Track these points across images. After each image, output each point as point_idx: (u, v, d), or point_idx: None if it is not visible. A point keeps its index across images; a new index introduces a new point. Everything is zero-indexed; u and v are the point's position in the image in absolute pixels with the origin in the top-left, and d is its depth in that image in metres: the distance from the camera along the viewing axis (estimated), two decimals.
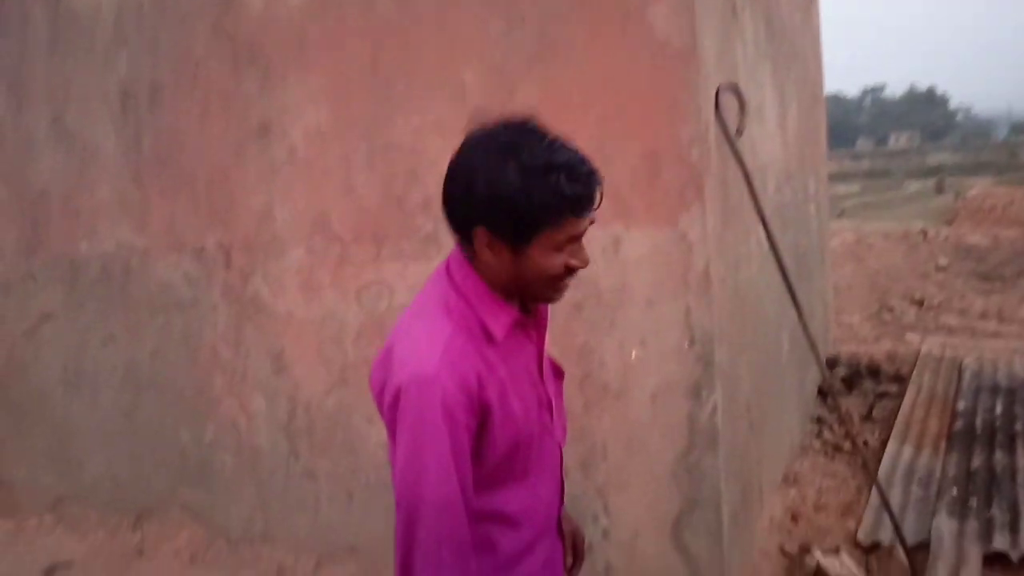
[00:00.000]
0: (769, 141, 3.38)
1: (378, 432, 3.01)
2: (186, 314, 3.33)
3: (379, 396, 1.17)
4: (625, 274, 2.42)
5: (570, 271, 1.17)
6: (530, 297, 1.21)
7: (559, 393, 1.40)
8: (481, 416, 1.14)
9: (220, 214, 3.16)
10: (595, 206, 1.15)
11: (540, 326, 1.29)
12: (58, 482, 3.87)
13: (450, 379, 1.09)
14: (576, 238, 1.15)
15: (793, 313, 2.91)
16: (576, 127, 2.47)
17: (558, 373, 1.41)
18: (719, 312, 2.44)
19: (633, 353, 2.51)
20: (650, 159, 2.30)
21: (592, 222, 1.17)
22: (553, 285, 1.18)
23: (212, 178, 3.16)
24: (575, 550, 1.51)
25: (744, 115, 2.55)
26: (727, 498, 2.55)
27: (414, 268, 2.77)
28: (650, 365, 2.46)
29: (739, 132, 2.50)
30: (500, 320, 1.18)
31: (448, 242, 2.69)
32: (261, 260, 3.10)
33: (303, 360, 3.10)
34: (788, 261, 2.90)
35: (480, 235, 1.13)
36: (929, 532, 3.05)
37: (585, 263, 1.18)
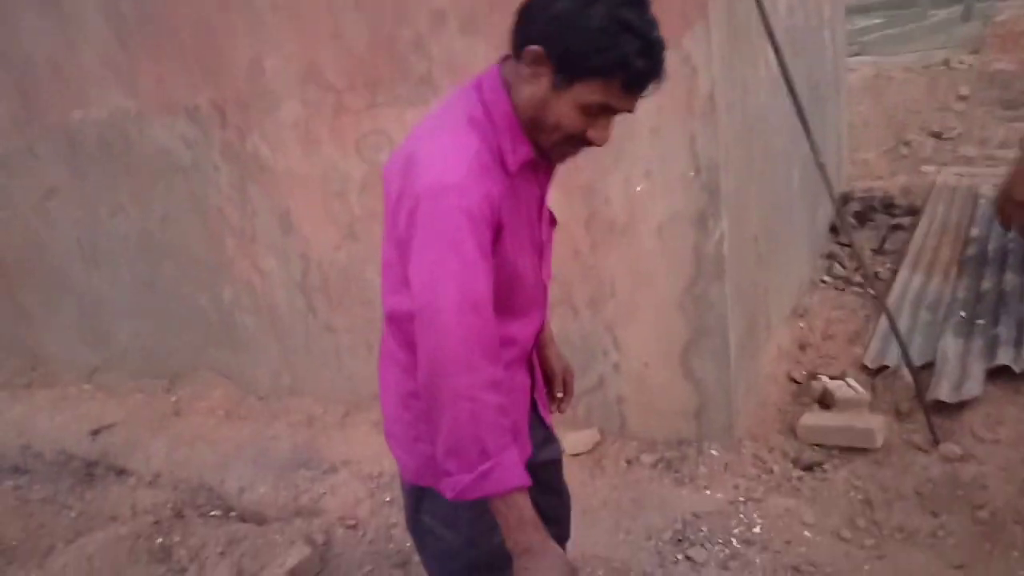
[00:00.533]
0: None
1: None
2: (189, 178, 3.31)
3: (395, 204, 1.15)
4: None
5: (585, 141, 1.16)
6: (536, 142, 1.18)
7: (550, 239, 1.41)
8: (496, 233, 1.14)
9: (210, 70, 3.06)
10: (644, 91, 1.13)
11: (548, 168, 1.28)
12: (91, 353, 4.03)
13: (475, 189, 1.09)
14: (609, 111, 1.13)
15: (804, 146, 2.82)
16: None
17: (551, 220, 1.42)
18: (725, 139, 2.38)
19: (638, 187, 2.48)
20: None
21: (631, 111, 1.16)
22: (563, 143, 1.17)
23: (197, 32, 3.02)
24: (565, 385, 1.57)
25: None
26: (734, 326, 2.60)
27: (411, 113, 2.69)
28: (656, 197, 2.43)
29: None
30: (517, 152, 1.17)
31: (441, 83, 2.61)
32: (256, 116, 3.03)
33: (310, 217, 3.11)
34: (801, 90, 2.78)
35: (531, 52, 1.11)
36: (935, 353, 3.12)
37: (603, 141, 1.16)
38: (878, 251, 4.54)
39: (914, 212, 5.04)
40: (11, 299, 4.18)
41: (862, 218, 5.04)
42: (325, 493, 2.83)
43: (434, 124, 1.19)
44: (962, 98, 7.97)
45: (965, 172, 5.74)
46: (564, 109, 1.11)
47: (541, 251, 1.33)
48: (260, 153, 3.11)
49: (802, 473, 2.61)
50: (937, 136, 7.06)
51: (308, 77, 2.87)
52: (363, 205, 2.97)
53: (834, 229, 4.81)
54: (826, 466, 2.63)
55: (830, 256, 4.47)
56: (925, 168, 6.16)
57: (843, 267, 4.36)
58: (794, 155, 3.52)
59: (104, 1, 3.22)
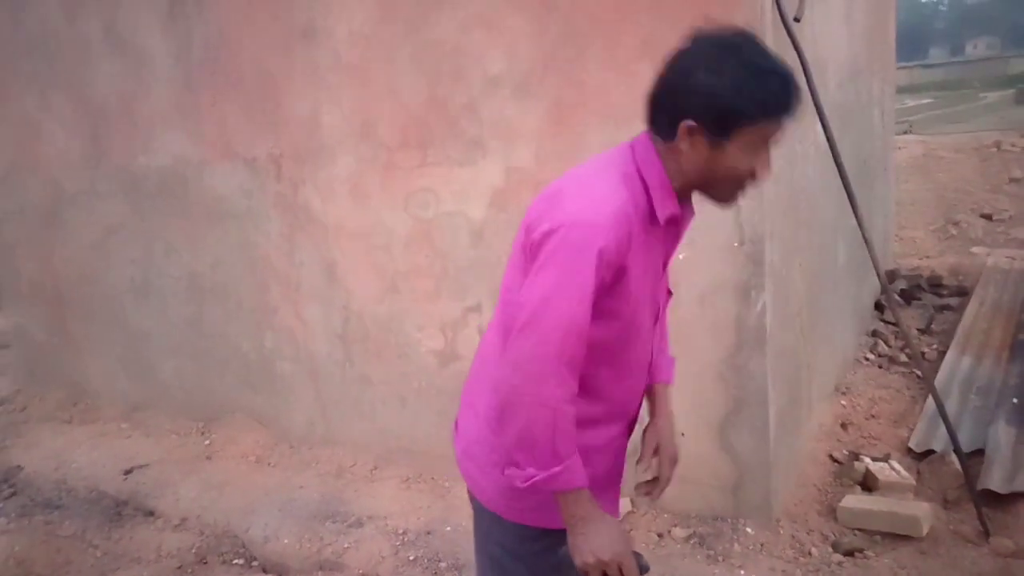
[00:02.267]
0: (832, 33, 3.19)
1: (428, 339, 3.08)
2: (242, 225, 3.42)
3: (530, 226, 1.24)
4: None
5: (754, 177, 1.23)
6: (711, 196, 1.28)
7: (666, 307, 1.50)
8: (617, 275, 1.22)
9: (269, 121, 3.19)
10: (794, 114, 1.21)
11: (678, 235, 1.36)
12: (133, 389, 4.11)
13: (613, 231, 1.17)
14: (767, 144, 1.22)
15: (851, 222, 2.81)
16: (628, 13, 2.38)
17: (668, 292, 1.51)
18: (771, 210, 2.37)
19: (680, 255, 2.47)
20: None
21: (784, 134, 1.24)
22: (738, 186, 1.25)
23: (260, 83, 3.17)
24: (661, 467, 1.51)
25: None
26: (774, 399, 2.54)
27: (459, 173, 2.76)
28: (698, 265, 2.43)
29: (797, 18, 2.37)
30: (666, 207, 1.25)
31: (492, 145, 2.68)
32: (310, 169, 3.14)
33: (354, 269, 3.17)
34: (849, 165, 2.78)
35: (686, 128, 1.19)
36: (985, 440, 3.00)
37: (769, 173, 1.25)
38: (924, 331, 4.43)
39: (963, 293, 4.93)
40: (63, 331, 4.32)
41: (908, 297, 4.95)
42: (349, 547, 2.80)
43: (589, 172, 1.28)
44: (1014, 180, 7.87)
45: (1017, 255, 5.61)
46: (731, 158, 1.20)
47: (657, 313, 1.38)
48: (311, 205, 3.20)
49: (842, 558, 2.49)
50: (988, 218, 6.96)
51: (362, 134, 2.97)
52: (407, 260, 3.02)
53: (879, 307, 4.72)
54: (868, 552, 2.51)
55: (875, 334, 4.38)
56: (975, 249, 6.05)
57: (888, 346, 4.26)
58: (840, 230, 3.49)
59: (174, 44, 3.40)
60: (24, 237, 4.31)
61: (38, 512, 3.25)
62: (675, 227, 1.33)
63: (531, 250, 1.23)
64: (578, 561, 1.23)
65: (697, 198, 1.31)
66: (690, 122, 1.18)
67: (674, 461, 1.52)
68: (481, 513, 1.44)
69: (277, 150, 3.23)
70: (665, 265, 1.37)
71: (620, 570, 1.23)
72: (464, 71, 2.68)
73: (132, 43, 3.57)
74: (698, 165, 1.22)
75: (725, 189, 1.25)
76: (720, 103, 1.16)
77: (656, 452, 1.50)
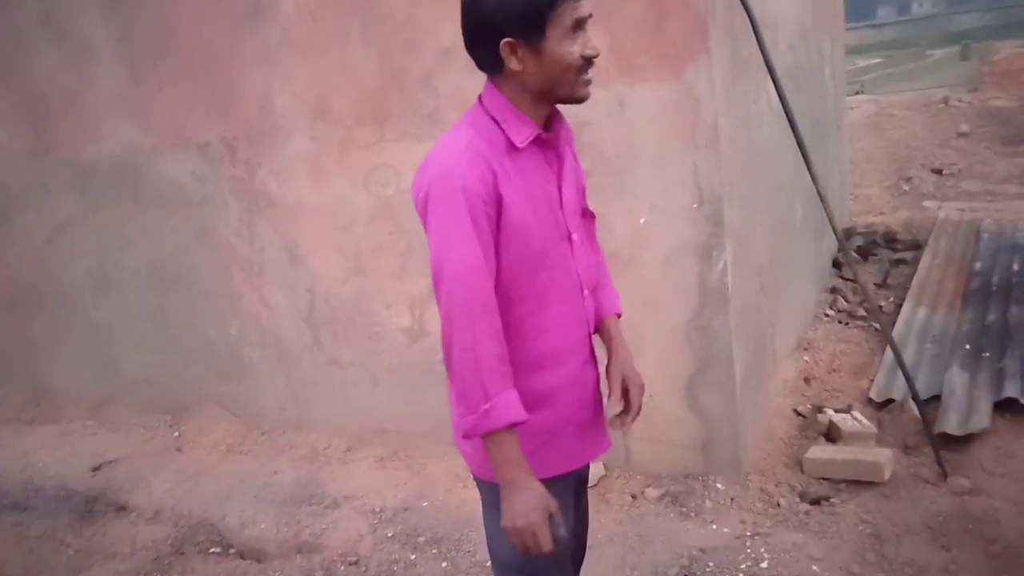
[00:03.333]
0: None
1: (396, 317, 3.08)
2: (199, 212, 3.35)
3: (418, 204, 1.31)
4: (632, 136, 2.38)
5: (587, 61, 1.28)
6: (562, 98, 1.31)
7: (589, 233, 1.55)
8: (497, 207, 1.27)
9: (220, 104, 3.12)
10: None
11: (559, 155, 1.38)
12: (97, 386, 4.03)
13: (468, 169, 1.24)
14: (581, 23, 1.26)
15: (807, 181, 2.85)
16: None
17: (588, 214, 1.56)
18: (729, 170, 2.41)
19: (642, 219, 2.50)
20: (654, 9, 2.20)
21: (591, 14, 1.28)
22: (577, 78, 1.28)
23: (209, 66, 3.10)
24: (627, 397, 1.53)
25: None
26: (739, 357, 2.60)
27: (419, 148, 2.74)
28: (660, 227, 2.45)
29: None
30: (522, 132, 1.30)
31: (449, 118, 2.66)
32: (266, 151, 3.08)
33: (318, 250, 3.14)
34: (802, 125, 2.82)
35: (504, 47, 1.25)
36: (941, 386, 3.10)
37: (597, 52, 1.29)
38: (881, 285, 4.55)
39: (917, 247, 5.07)
40: (21, 331, 4.20)
41: (865, 253, 5.07)
42: (327, 528, 2.80)
43: (444, 135, 1.35)
44: (962, 135, 8.06)
45: (967, 207, 5.78)
46: (556, 53, 1.25)
47: (569, 239, 1.39)
48: (269, 188, 3.15)
49: (809, 507, 2.57)
50: (938, 172, 7.13)
51: (317, 112, 2.92)
52: (371, 238, 3.00)
53: (837, 264, 4.83)
54: (833, 500, 2.60)
55: (833, 290, 4.48)
56: (927, 203, 6.20)
57: (847, 301, 4.37)
58: (797, 189, 3.55)
59: (118, 34, 3.30)
60: None
61: (5, 514, 3.19)
62: (553, 148, 1.37)
63: (420, 215, 1.30)
64: (502, 523, 1.26)
65: (566, 109, 1.36)
66: (506, 40, 1.24)
67: (641, 389, 1.55)
68: (479, 485, 1.48)
69: (230, 133, 3.16)
70: (566, 188, 1.39)
71: (534, 537, 1.24)
72: (417, 43, 2.65)
73: (71, 32, 3.45)
74: (535, 75, 1.27)
75: (569, 84, 1.29)
76: (516, 9, 1.22)
77: (624, 384, 1.53)
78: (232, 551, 2.79)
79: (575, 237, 1.41)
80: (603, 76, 2.32)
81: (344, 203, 3.01)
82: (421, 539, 2.65)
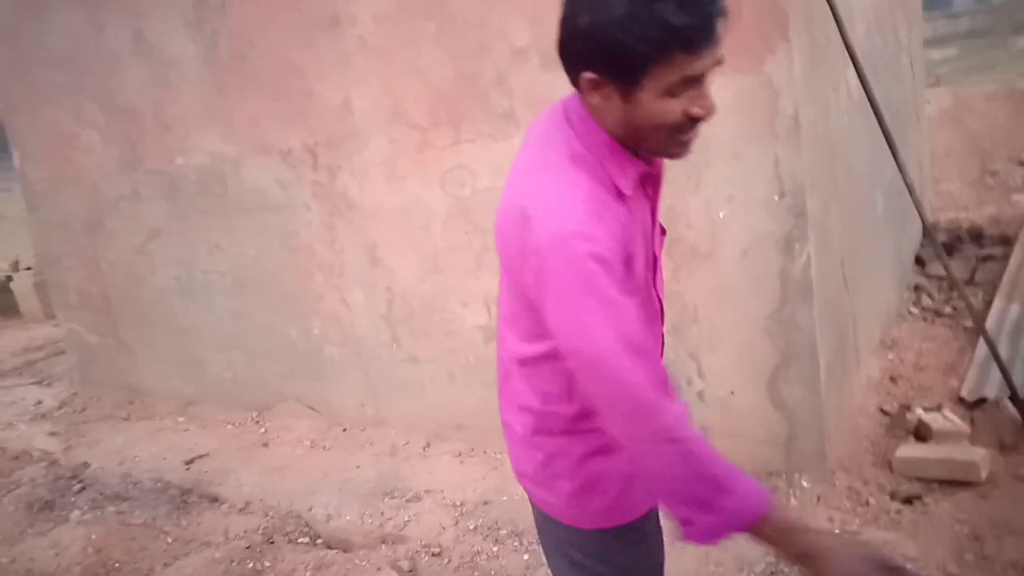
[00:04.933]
0: None
1: (472, 314, 3.13)
2: (281, 216, 3.49)
3: (519, 260, 1.10)
4: (708, 128, 2.35)
5: (692, 120, 1.04)
6: (650, 151, 1.11)
7: (661, 248, 1.35)
8: (626, 265, 1.08)
9: (301, 113, 3.24)
10: (713, 40, 0.99)
11: (657, 181, 1.21)
12: (186, 385, 4.23)
13: (599, 230, 1.03)
14: (694, 80, 1.01)
15: (887, 172, 2.79)
16: None
17: (662, 231, 1.35)
18: (809, 160, 2.37)
19: (721, 213, 2.48)
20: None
21: (718, 63, 1.02)
22: (673, 137, 1.06)
23: (289, 76, 3.22)
24: None
25: None
26: (823, 350, 2.55)
27: (494, 148, 2.79)
28: (739, 221, 2.43)
29: None
30: (628, 175, 1.10)
31: (524, 118, 2.70)
32: (345, 155, 3.19)
33: (395, 250, 3.22)
34: (883, 113, 2.75)
35: (585, 80, 1.03)
36: None
37: (709, 112, 1.04)
38: (969, 282, 4.36)
39: (1005, 242, 4.84)
40: (115, 335, 4.44)
41: (949, 249, 4.86)
42: (409, 521, 2.87)
43: (538, 168, 1.12)
44: None
45: None
46: (649, 108, 1.02)
47: (655, 264, 1.27)
48: (348, 191, 3.25)
49: (901, 506, 2.50)
50: None
51: (394, 116, 3.01)
52: (447, 237, 3.06)
53: (919, 261, 4.66)
54: (926, 499, 2.51)
55: (917, 288, 4.32)
56: (1016, 197, 5.92)
57: (931, 298, 4.21)
58: (877, 181, 3.45)
59: (203, 50, 3.47)
60: (70, 247, 4.43)
61: (108, 504, 3.37)
62: (653, 176, 1.18)
63: (530, 283, 1.08)
64: None
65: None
66: (589, 74, 1.02)
67: None
68: (551, 524, 1.33)
69: (311, 139, 3.28)
70: (654, 213, 1.23)
71: None
72: (490, 45, 2.70)
73: (160, 48, 3.65)
74: (619, 120, 1.05)
75: (662, 142, 1.07)
76: (609, 51, 0.99)
77: None
78: (320, 541, 2.88)
79: (660, 264, 1.28)
80: None
81: (421, 204, 3.09)
82: (502, 532, 2.68)
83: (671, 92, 1.01)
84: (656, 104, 1.02)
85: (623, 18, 0.96)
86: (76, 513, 3.30)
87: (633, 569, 1.32)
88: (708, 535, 1.02)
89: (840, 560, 0.99)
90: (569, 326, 1.03)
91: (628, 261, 1.07)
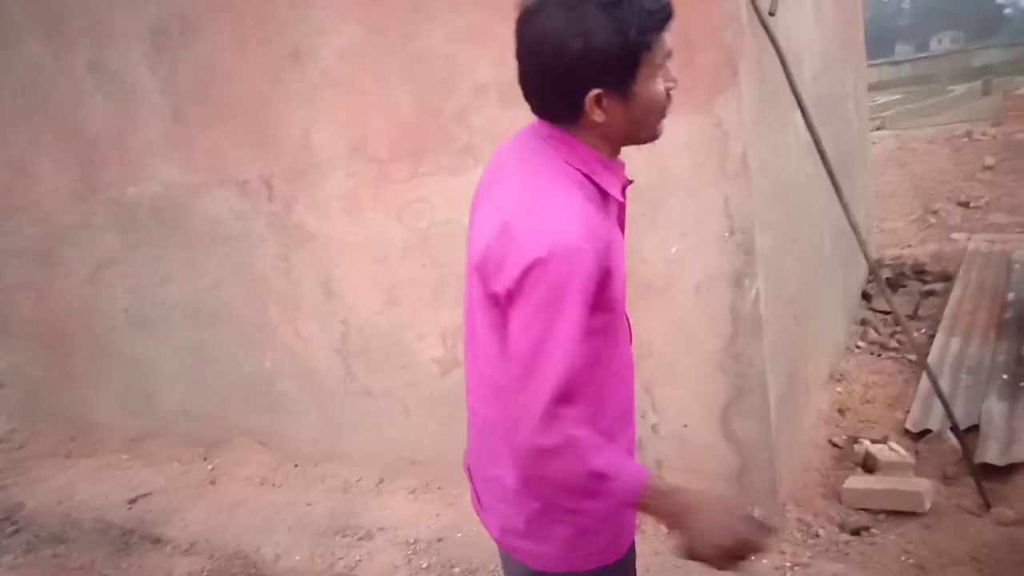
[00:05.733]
0: (805, 27, 3.29)
1: (429, 347, 3.11)
2: (237, 247, 3.44)
3: (496, 270, 1.10)
4: (664, 165, 2.43)
5: (669, 97, 1.15)
6: (640, 139, 1.18)
7: None
8: (601, 287, 1.10)
9: (260, 144, 3.23)
10: (670, 18, 1.12)
11: (623, 197, 1.25)
12: (134, 420, 4.10)
13: (592, 249, 1.05)
14: (668, 55, 1.13)
15: (835, 211, 2.88)
16: None
17: None
18: (759, 199, 2.44)
19: (674, 248, 2.53)
20: (684, 44, 2.27)
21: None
22: (661, 116, 1.16)
23: (250, 109, 3.21)
24: None
25: None
26: (773, 385, 2.60)
27: (453, 182, 2.81)
28: (692, 257, 2.48)
29: (772, 12, 2.45)
30: (615, 186, 1.17)
31: (482, 152, 2.73)
32: (303, 187, 3.17)
33: (352, 283, 3.20)
34: (829, 155, 2.86)
35: (591, 100, 1.09)
36: (979, 416, 3.06)
37: (675, 81, 1.15)
38: (912, 316, 4.51)
39: (946, 278, 5.03)
40: (59, 369, 4.30)
41: (893, 285, 5.03)
42: (361, 560, 2.81)
43: (523, 185, 1.14)
44: (987, 168, 8.04)
45: (997, 239, 5.73)
46: (645, 96, 1.11)
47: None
48: (305, 223, 3.23)
49: (849, 537, 2.54)
50: (965, 205, 7.10)
51: (354, 149, 3.02)
52: (404, 270, 3.06)
53: (866, 296, 4.81)
54: (874, 530, 2.56)
55: (863, 322, 4.45)
56: (955, 235, 6.17)
57: (878, 332, 4.34)
58: (825, 220, 3.57)
59: (163, 79, 3.44)
60: (19, 277, 4.29)
61: (44, 547, 3.23)
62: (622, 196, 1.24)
63: (506, 292, 1.08)
64: (699, 560, 1.10)
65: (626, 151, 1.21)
66: (594, 91, 1.09)
67: None
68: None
69: (268, 171, 3.26)
70: (623, 228, 1.27)
71: (748, 546, 1.08)
72: (454, 81, 2.74)
73: (118, 77, 3.60)
74: (620, 124, 1.13)
75: (652, 126, 1.17)
76: (609, 57, 1.06)
77: None
78: None
79: None
80: None
81: (379, 237, 3.08)
82: (456, 570, 2.65)
83: (655, 74, 1.11)
84: (649, 91, 1.11)
85: (613, 27, 1.05)
86: (8, 557, 3.16)
87: None
88: (602, 516, 1.12)
89: (705, 513, 1.07)
90: (525, 337, 1.06)
91: (609, 275, 1.09)
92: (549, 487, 1.10)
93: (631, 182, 1.23)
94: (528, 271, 1.04)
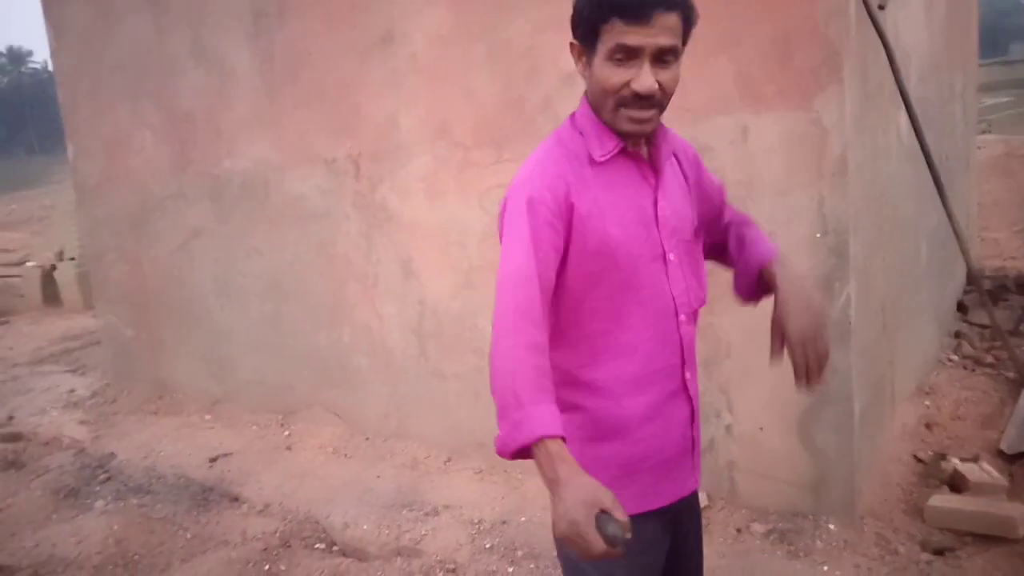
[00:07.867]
0: (913, 25, 3.12)
1: None
2: (320, 224, 3.54)
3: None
4: (753, 165, 2.35)
5: (636, 97, 1.16)
6: (608, 119, 1.22)
7: (696, 259, 1.37)
8: (568, 216, 1.20)
9: (348, 125, 3.30)
10: (647, 20, 1.12)
11: (656, 170, 1.28)
12: (214, 385, 4.28)
13: (540, 181, 1.20)
14: (631, 52, 1.14)
15: (933, 218, 2.73)
16: (701, 6, 2.40)
17: (695, 234, 1.38)
18: (855, 202, 2.34)
19: None
20: (782, 39, 2.19)
21: (662, 50, 1.14)
22: (618, 109, 1.19)
23: (339, 89, 3.28)
24: (807, 358, 1.31)
25: None
26: (858, 395, 2.49)
27: None
28: None
29: (882, 5, 2.33)
30: (605, 145, 1.24)
31: None
32: (388, 169, 3.23)
33: (430, 265, 3.24)
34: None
35: (571, 47, 1.22)
36: None
37: (645, 89, 1.15)
38: (1013, 332, 4.25)
39: None
40: (149, 331, 4.53)
41: (994, 298, 4.74)
42: (426, 535, 2.86)
43: None
44: None
45: None
46: (599, 73, 1.18)
47: (664, 258, 1.28)
48: (388, 203, 3.29)
49: (932, 557, 2.42)
50: None
51: (439, 134, 3.04)
52: (481, 255, 3.07)
53: (961, 307, 4.56)
54: (959, 553, 2.43)
55: (958, 335, 4.22)
56: None
57: (973, 347, 4.11)
58: (922, 227, 3.39)
59: (259, 59, 3.55)
60: (114, 242, 4.55)
61: (132, 496, 3.42)
62: (650, 162, 1.27)
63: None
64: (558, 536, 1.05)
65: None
66: (572, 40, 1.21)
67: (811, 336, 1.28)
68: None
69: (355, 151, 3.33)
70: (666, 204, 1.28)
71: (583, 540, 1.01)
72: (539, 70, 2.73)
73: (217, 56, 3.75)
74: (590, 88, 1.22)
75: (610, 112, 1.20)
76: (577, 11, 1.19)
77: (784, 337, 1.30)
78: (335, 548, 2.89)
79: (671, 257, 1.28)
80: (726, 103, 2.31)
81: (458, 220, 3.11)
82: (519, 553, 2.66)
83: (612, 58, 1.16)
84: (602, 69, 1.17)
85: None
86: (100, 503, 3.36)
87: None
88: (499, 441, 1.11)
89: (568, 491, 1.02)
90: (501, 260, 1.21)
91: (570, 211, 1.20)
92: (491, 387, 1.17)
93: (637, 151, 1.27)
94: (501, 216, 1.26)
